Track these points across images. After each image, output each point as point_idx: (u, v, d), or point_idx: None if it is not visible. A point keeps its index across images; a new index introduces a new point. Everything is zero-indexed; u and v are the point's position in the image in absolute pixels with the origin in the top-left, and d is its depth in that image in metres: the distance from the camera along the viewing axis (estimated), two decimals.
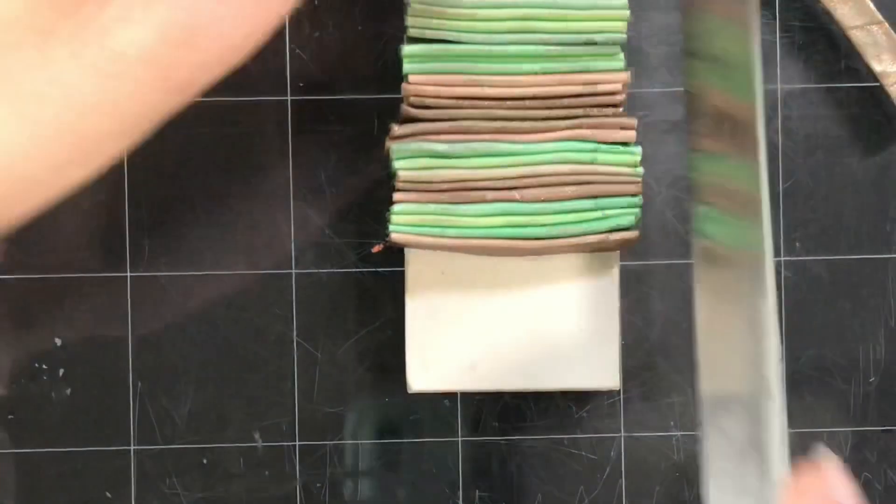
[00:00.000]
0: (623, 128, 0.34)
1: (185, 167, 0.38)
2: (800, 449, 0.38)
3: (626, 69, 0.34)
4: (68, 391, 0.38)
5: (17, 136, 0.27)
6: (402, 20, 0.34)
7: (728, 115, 0.30)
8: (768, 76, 0.38)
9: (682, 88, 0.38)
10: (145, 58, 0.27)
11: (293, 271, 0.38)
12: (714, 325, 0.31)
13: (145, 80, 0.27)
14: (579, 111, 0.34)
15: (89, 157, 0.28)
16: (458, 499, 0.38)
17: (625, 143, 0.34)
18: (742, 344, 0.30)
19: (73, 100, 0.27)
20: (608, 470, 0.38)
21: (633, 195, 0.34)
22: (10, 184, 0.28)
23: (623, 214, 0.34)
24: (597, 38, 0.34)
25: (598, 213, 0.34)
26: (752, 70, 0.29)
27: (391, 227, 0.33)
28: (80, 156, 0.28)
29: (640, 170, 0.34)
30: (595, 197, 0.34)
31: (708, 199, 0.31)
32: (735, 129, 0.30)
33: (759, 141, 0.29)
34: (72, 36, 0.26)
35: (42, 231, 0.38)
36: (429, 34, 0.34)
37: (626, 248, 0.35)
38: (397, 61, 0.34)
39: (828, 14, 0.38)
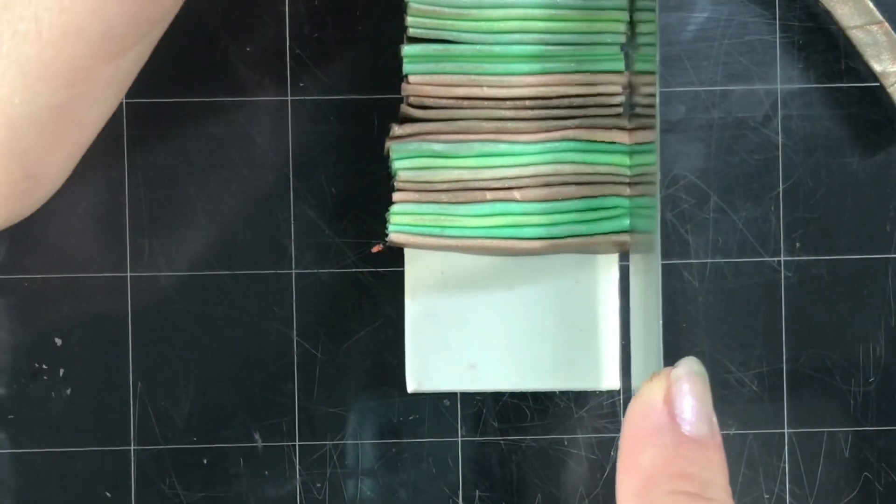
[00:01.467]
0: (622, 128, 0.34)
1: (185, 167, 0.38)
2: (800, 449, 0.38)
3: (625, 70, 0.34)
4: (68, 391, 0.38)
5: None
6: (402, 20, 0.34)
7: (638, 93, 0.31)
8: (768, 76, 0.38)
9: (680, 88, 0.38)
10: None
11: (293, 271, 0.38)
12: (635, 306, 0.31)
13: None
14: (579, 111, 0.34)
15: None
16: (458, 499, 0.38)
17: (624, 143, 0.34)
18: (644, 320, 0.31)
19: (45, 31, 0.27)
20: (608, 470, 0.38)
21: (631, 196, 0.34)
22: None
23: (622, 215, 0.34)
24: (596, 38, 0.34)
25: (598, 214, 0.34)
26: (654, 42, 0.30)
27: (391, 227, 0.33)
28: None
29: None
30: (594, 197, 0.34)
31: (633, 191, 0.32)
32: (640, 105, 0.31)
33: (657, 113, 0.30)
34: None
35: (42, 231, 0.38)
36: (429, 34, 0.34)
37: (624, 249, 0.35)
38: (397, 61, 0.34)
39: (827, 14, 0.38)
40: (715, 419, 0.27)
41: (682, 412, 0.26)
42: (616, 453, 0.38)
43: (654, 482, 0.26)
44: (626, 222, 0.34)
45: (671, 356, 0.38)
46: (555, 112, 0.34)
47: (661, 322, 0.30)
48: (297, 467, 0.38)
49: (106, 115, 0.31)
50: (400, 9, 0.34)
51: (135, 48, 0.30)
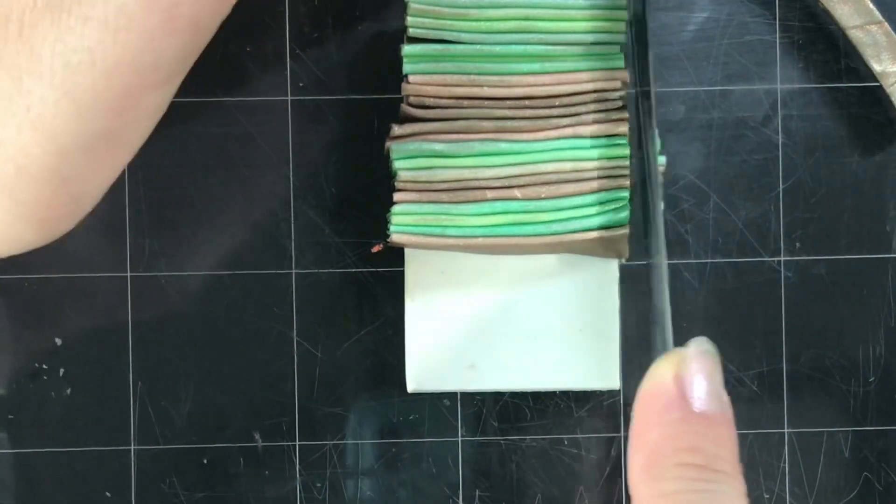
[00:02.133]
0: (623, 120, 0.34)
1: (185, 167, 0.38)
2: (800, 449, 0.39)
3: (625, 68, 0.34)
4: (68, 391, 0.38)
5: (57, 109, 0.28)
6: (402, 20, 0.34)
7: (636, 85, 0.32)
8: (768, 76, 0.38)
9: (680, 88, 0.38)
10: (144, 4, 0.27)
11: (293, 271, 0.38)
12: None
13: (153, 27, 0.28)
14: (579, 108, 0.34)
15: (136, 115, 0.29)
16: (458, 499, 0.38)
17: (624, 135, 0.34)
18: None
19: (98, 62, 0.28)
20: (608, 470, 0.38)
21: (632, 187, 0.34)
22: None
23: (623, 207, 0.34)
24: (596, 38, 0.34)
25: (599, 208, 0.34)
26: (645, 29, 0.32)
27: (391, 228, 0.33)
28: (127, 112, 0.29)
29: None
30: (595, 192, 0.34)
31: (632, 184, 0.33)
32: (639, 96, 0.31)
33: (653, 103, 0.30)
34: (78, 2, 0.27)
35: None
36: (429, 34, 0.34)
37: (622, 256, 0.35)
38: (397, 61, 0.34)
39: (827, 14, 0.38)
40: (726, 397, 0.27)
41: (692, 390, 0.26)
42: (616, 452, 0.38)
43: (661, 456, 0.26)
44: (626, 214, 0.34)
45: None
46: (555, 111, 0.34)
47: (668, 311, 0.30)
48: (297, 467, 0.38)
49: (145, 137, 0.31)
50: (400, 9, 0.34)
51: (180, 74, 0.30)
